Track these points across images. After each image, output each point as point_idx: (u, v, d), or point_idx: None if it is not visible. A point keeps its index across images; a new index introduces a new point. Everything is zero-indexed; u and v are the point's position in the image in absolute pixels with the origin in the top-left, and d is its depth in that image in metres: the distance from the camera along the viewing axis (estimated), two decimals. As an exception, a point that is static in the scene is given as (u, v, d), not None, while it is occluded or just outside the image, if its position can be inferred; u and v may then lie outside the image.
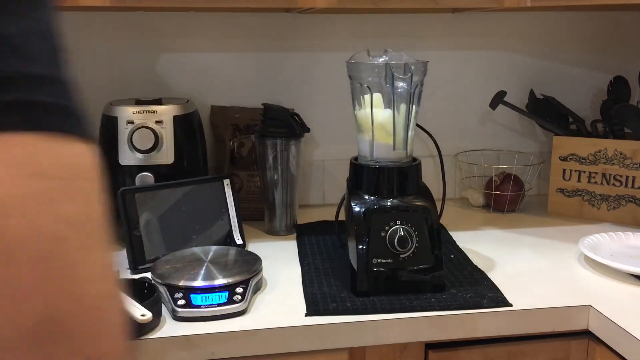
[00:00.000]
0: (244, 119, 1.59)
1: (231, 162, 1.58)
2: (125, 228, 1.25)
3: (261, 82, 1.63)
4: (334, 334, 1.04)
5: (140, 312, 0.96)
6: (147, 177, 1.32)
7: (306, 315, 1.06)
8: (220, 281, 1.07)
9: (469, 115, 1.75)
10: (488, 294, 1.12)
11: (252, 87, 1.63)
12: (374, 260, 1.11)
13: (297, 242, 1.41)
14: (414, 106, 1.16)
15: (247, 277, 1.10)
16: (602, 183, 1.53)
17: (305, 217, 1.57)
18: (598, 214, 1.55)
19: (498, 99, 1.64)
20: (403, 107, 1.15)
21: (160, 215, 1.29)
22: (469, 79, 1.72)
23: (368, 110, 1.17)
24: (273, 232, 1.48)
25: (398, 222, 1.12)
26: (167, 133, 1.35)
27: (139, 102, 1.37)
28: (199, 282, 1.07)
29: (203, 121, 1.50)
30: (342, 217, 1.29)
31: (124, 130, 1.33)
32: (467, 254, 1.32)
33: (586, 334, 1.11)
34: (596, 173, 1.54)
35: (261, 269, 1.16)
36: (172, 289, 1.06)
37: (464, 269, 1.24)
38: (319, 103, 1.66)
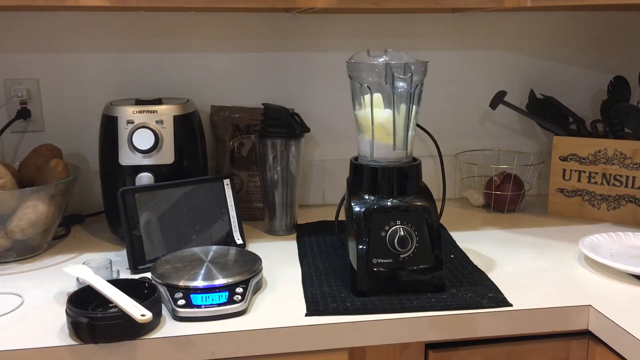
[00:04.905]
0: (244, 119, 1.59)
1: (231, 162, 1.58)
2: (125, 228, 1.25)
3: (261, 82, 1.63)
4: (334, 334, 1.04)
5: (140, 312, 0.96)
6: (147, 177, 1.32)
7: (306, 315, 1.06)
8: (220, 281, 1.07)
9: (469, 115, 1.75)
10: (488, 294, 1.12)
11: (252, 87, 1.63)
12: (374, 260, 1.11)
13: (297, 242, 1.41)
14: (414, 106, 1.16)
15: (247, 277, 1.10)
16: (602, 183, 1.53)
17: (305, 217, 1.57)
18: (598, 214, 1.55)
19: (498, 99, 1.64)
20: (403, 107, 1.15)
21: (160, 215, 1.29)
22: (469, 79, 1.72)
23: (368, 110, 1.17)
24: (273, 232, 1.48)
25: (398, 222, 1.12)
26: (167, 133, 1.34)
27: (139, 102, 1.37)
28: (199, 282, 1.07)
29: (203, 121, 1.50)
30: (342, 217, 1.29)
31: (124, 130, 1.33)
32: (467, 254, 1.32)
33: (586, 334, 1.11)
34: (596, 173, 1.54)
35: (261, 269, 1.16)
36: (172, 289, 1.06)
37: (464, 269, 1.24)
38: (319, 103, 1.66)
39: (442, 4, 1.33)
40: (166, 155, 1.34)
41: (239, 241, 1.36)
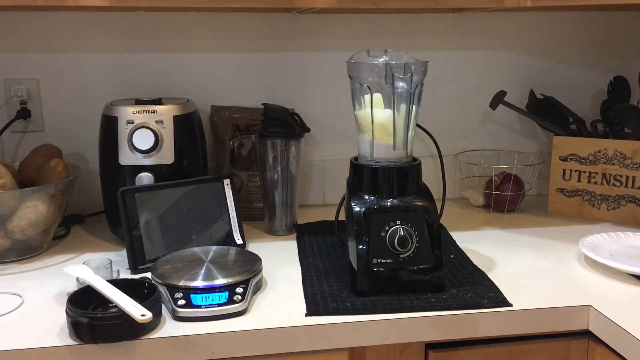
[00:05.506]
0: (244, 119, 1.59)
1: (231, 162, 1.58)
2: (125, 228, 1.25)
3: (261, 82, 1.63)
4: (334, 334, 1.04)
5: (140, 312, 0.96)
6: (147, 177, 1.32)
7: (306, 315, 1.06)
8: (220, 281, 1.07)
9: (469, 115, 1.75)
10: (488, 294, 1.12)
11: (252, 87, 1.63)
12: (374, 260, 1.11)
13: (297, 242, 1.41)
14: (414, 106, 1.16)
15: (247, 277, 1.10)
16: (602, 183, 1.53)
17: (305, 217, 1.57)
18: (598, 214, 1.55)
19: (498, 99, 1.64)
20: (403, 107, 1.15)
21: (160, 215, 1.29)
22: (469, 79, 1.72)
23: (368, 110, 1.17)
24: (273, 232, 1.48)
25: (398, 222, 1.12)
26: (167, 133, 1.34)
27: (139, 102, 1.37)
28: (199, 282, 1.07)
29: (203, 121, 1.50)
30: (342, 217, 1.29)
31: (124, 130, 1.33)
32: (467, 254, 1.32)
33: (586, 334, 1.11)
34: (596, 173, 1.54)
35: (261, 269, 1.16)
36: (172, 289, 1.06)
37: (464, 269, 1.24)
38: (319, 103, 1.66)
39: (442, 4, 1.33)
40: (166, 155, 1.34)
41: (239, 241, 1.36)
